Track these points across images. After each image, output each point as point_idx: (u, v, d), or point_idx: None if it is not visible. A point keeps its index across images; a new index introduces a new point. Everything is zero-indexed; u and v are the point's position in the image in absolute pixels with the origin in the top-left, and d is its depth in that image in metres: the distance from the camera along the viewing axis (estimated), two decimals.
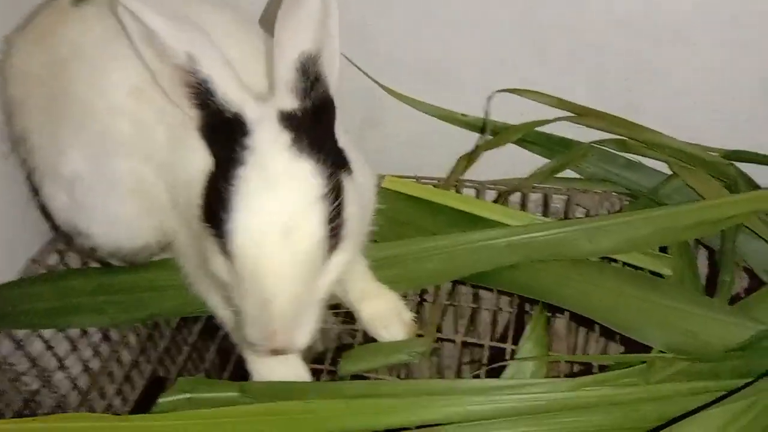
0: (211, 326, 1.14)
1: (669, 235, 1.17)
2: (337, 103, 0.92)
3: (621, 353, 1.17)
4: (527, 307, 1.20)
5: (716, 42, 1.22)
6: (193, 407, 0.99)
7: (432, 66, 1.36)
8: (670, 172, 1.32)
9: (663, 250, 1.19)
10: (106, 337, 1.33)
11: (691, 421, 0.89)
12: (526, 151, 1.40)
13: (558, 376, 1.04)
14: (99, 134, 1.02)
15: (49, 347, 1.23)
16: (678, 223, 1.16)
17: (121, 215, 1.08)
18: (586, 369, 1.11)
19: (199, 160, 0.90)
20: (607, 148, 1.37)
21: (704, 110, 1.30)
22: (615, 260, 1.18)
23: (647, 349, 1.02)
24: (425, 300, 1.21)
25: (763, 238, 1.18)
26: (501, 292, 1.19)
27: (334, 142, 0.93)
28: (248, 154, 0.85)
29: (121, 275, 1.19)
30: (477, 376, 1.01)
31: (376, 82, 1.36)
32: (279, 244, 0.84)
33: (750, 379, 0.95)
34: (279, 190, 0.84)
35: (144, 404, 1.02)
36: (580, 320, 1.14)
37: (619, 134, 1.35)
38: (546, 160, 1.39)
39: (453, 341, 1.15)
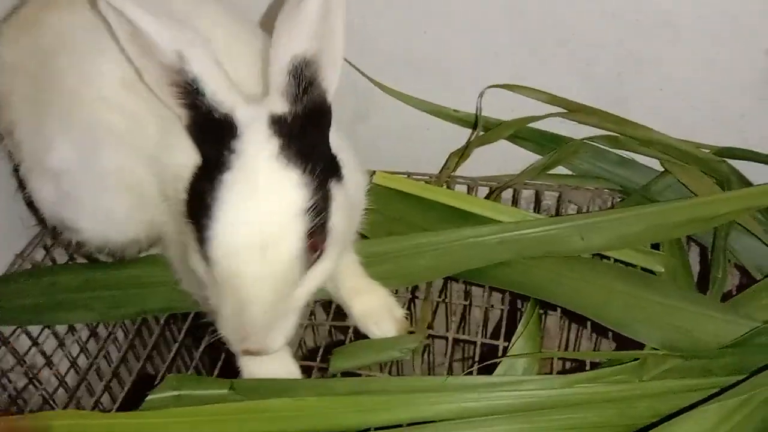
0: (200, 323, 1.13)
1: (661, 232, 1.17)
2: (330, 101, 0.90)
3: (613, 350, 1.18)
4: (519, 304, 1.20)
5: (709, 38, 1.21)
6: (182, 404, 0.98)
7: (424, 61, 1.35)
8: (662, 169, 1.32)
9: (655, 247, 1.18)
10: (93, 334, 1.32)
11: (685, 418, 0.89)
12: (518, 147, 1.40)
13: (550, 373, 1.04)
14: (88, 125, 1.01)
15: (36, 344, 1.22)
16: (670, 220, 1.16)
17: (109, 208, 1.06)
18: (579, 366, 1.10)
19: (189, 155, 0.89)
20: (599, 145, 1.37)
21: (697, 107, 1.30)
22: (607, 257, 1.17)
23: (640, 346, 1.02)
24: (417, 297, 1.20)
25: (755, 235, 1.18)
26: (493, 289, 1.18)
27: (326, 147, 0.92)
28: (235, 158, 0.85)
29: (108, 271, 1.18)
30: (469, 373, 1.01)
31: (368, 77, 1.35)
32: (256, 257, 0.84)
33: (743, 376, 0.95)
34: (261, 202, 0.84)
35: (132, 401, 1.01)
36: (573, 317, 1.14)
37: (611, 131, 1.35)
38: (538, 157, 1.38)
39: (445, 338, 1.14)
